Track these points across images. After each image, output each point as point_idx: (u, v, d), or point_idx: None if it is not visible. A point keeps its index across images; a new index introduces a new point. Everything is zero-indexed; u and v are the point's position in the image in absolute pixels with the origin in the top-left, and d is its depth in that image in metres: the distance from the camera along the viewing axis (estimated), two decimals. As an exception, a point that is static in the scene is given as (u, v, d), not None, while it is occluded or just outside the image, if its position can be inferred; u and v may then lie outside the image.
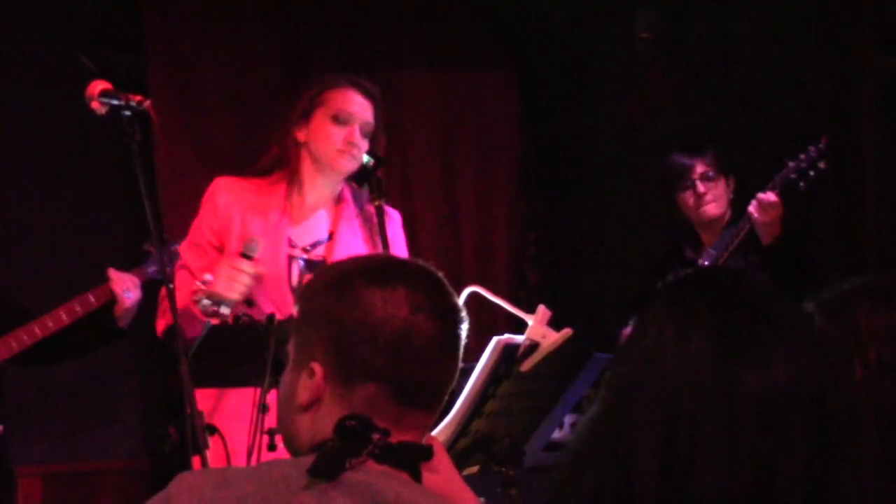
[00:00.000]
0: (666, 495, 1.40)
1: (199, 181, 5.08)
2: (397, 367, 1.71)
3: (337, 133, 3.60)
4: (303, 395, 1.74)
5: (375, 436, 1.67)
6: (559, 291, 5.63)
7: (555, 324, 3.06)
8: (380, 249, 3.49)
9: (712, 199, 4.54)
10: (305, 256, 3.64)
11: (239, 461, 3.15)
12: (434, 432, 2.52)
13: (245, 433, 3.15)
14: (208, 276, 3.39)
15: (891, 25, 3.83)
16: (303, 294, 1.83)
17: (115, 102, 3.18)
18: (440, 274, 1.81)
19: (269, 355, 3.06)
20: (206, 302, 3.35)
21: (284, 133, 3.68)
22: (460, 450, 3.00)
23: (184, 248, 3.67)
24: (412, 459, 1.70)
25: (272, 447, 3.12)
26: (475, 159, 5.82)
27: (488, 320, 4.66)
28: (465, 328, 1.78)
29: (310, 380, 1.74)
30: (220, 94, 5.48)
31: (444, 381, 1.77)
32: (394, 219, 3.71)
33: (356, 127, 3.61)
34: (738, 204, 4.54)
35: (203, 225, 3.64)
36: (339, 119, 3.62)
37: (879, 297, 1.88)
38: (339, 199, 3.71)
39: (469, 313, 1.81)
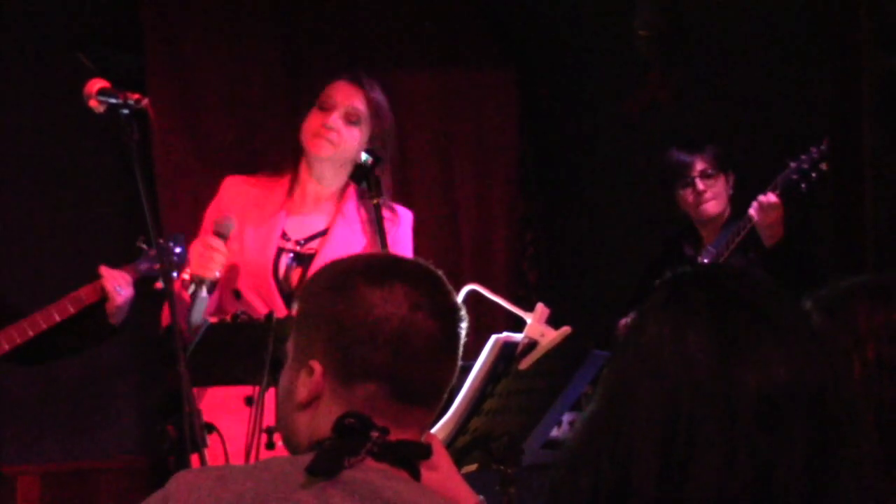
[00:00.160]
0: (664, 494, 1.40)
1: (198, 181, 5.10)
2: (396, 365, 1.71)
3: (317, 118, 3.64)
4: (302, 394, 1.74)
5: (374, 434, 1.67)
6: (558, 290, 5.62)
7: (553, 322, 3.06)
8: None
9: (712, 197, 4.53)
10: (297, 249, 3.66)
11: (237, 459, 3.15)
12: (433, 430, 2.52)
13: (243, 432, 3.15)
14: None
15: (891, 25, 3.82)
16: (302, 292, 1.83)
17: (113, 101, 3.17)
18: (439, 273, 1.81)
19: (268, 353, 3.06)
20: (192, 286, 3.44)
21: (292, 132, 3.73)
22: (459, 448, 3.00)
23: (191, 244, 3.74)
24: (411, 457, 1.70)
25: (270, 445, 3.13)
26: (474, 159, 5.81)
27: (487, 319, 4.65)
28: (464, 327, 1.78)
29: (309, 378, 1.74)
30: (220, 94, 5.47)
31: (444, 379, 1.77)
32: (403, 219, 3.73)
33: (337, 112, 3.63)
34: (737, 200, 4.53)
35: (206, 219, 3.70)
36: (322, 107, 3.66)
37: (878, 296, 1.88)
38: (342, 197, 3.73)
39: (468, 312, 1.81)
